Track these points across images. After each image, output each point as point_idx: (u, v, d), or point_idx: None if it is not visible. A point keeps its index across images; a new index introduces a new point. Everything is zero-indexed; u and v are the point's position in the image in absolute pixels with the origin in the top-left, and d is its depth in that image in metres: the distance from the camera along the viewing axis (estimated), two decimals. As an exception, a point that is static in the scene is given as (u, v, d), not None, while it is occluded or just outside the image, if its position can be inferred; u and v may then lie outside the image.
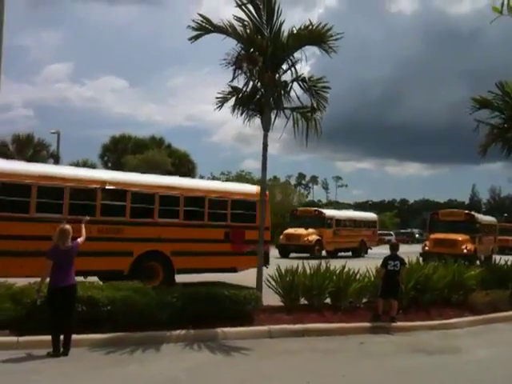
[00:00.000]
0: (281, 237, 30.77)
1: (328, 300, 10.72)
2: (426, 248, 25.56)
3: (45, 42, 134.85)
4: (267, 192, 12.08)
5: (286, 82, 10.92)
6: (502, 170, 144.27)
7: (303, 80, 10.94)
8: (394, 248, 10.75)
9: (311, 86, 10.91)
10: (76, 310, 7.71)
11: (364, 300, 11.03)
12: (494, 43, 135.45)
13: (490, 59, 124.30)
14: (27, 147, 40.65)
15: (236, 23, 10.36)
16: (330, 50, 10.55)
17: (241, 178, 48.53)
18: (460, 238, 25.08)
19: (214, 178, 51.43)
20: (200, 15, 10.22)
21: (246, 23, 10.41)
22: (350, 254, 32.94)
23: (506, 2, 3.98)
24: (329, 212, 33.97)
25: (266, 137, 10.81)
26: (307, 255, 27.69)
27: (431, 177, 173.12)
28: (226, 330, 8.72)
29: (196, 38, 10.40)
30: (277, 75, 10.79)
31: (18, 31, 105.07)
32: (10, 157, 39.89)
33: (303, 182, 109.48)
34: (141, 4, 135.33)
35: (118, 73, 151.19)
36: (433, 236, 26.15)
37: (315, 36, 10.37)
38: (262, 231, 10.95)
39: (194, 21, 10.15)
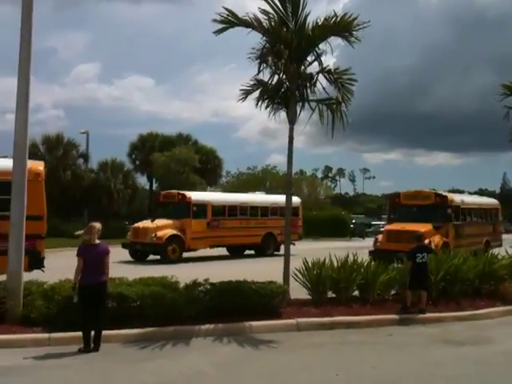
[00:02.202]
0: (128, 233, 22.87)
1: (356, 293, 10.69)
2: (378, 244, 19.12)
3: (72, 43, 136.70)
4: None
5: (311, 74, 10.88)
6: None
7: (329, 72, 10.87)
8: (419, 239, 10.65)
9: (337, 78, 10.82)
10: (106, 307, 7.84)
11: (392, 292, 10.95)
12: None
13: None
14: (57, 147, 41.26)
15: (261, 16, 10.37)
16: (353, 41, 10.46)
17: (267, 172, 48.50)
18: (422, 230, 16.59)
19: (240, 174, 51.54)
20: (225, 8, 10.27)
21: (271, 16, 10.39)
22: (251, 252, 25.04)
23: None
24: (198, 195, 24.03)
25: (291, 130, 10.79)
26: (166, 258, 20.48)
27: (461, 166, 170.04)
28: (254, 323, 8.77)
29: (221, 31, 10.42)
30: (302, 67, 10.76)
31: (45, 33, 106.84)
32: (41, 157, 40.74)
33: (330, 174, 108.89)
34: (165, 2, 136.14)
35: (145, 71, 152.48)
36: (388, 227, 19.70)
37: (341, 27, 10.28)
38: (289, 222, 10.90)
39: (219, 14, 10.18)
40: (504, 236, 27.86)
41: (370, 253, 17.70)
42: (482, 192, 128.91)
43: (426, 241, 16.26)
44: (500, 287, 11.57)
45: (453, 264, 11.27)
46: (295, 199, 26.54)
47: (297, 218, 25.51)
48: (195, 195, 23.41)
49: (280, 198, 25.84)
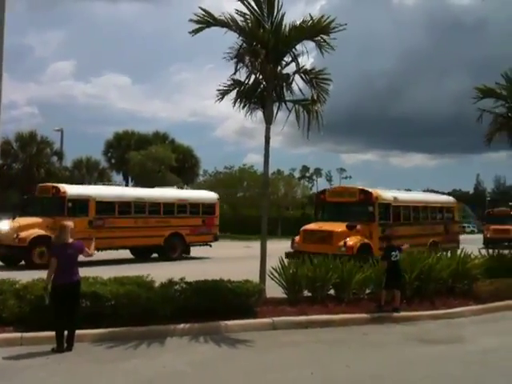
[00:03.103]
0: None
1: (332, 292, 10.74)
2: (295, 245, 17.35)
3: (48, 40, 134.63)
4: None
5: (288, 74, 10.90)
6: (506, 159, 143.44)
7: (305, 72, 10.90)
8: (391, 238, 10.80)
9: (312, 78, 10.88)
10: (80, 306, 7.74)
11: (367, 291, 11.03)
12: (498, 33, 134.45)
13: (494, 49, 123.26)
14: (30, 145, 40.67)
15: (237, 17, 10.36)
16: (326, 47, 10.50)
17: (244, 171, 48.50)
18: (337, 230, 16.43)
19: (217, 173, 51.44)
20: (201, 9, 10.21)
21: (247, 16, 10.40)
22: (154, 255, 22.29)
23: None
24: (77, 189, 20.25)
25: (268, 130, 10.80)
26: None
27: (436, 167, 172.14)
28: (230, 322, 8.75)
29: (197, 31, 10.38)
30: (279, 68, 10.77)
31: (21, 30, 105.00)
32: (14, 155, 40.06)
33: (307, 174, 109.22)
34: (144, 1, 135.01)
35: (122, 70, 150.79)
36: (304, 227, 17.69)
37: (317, 29, 10.32)
38: (266, 220, 10.93)
39: (195, 14, 10.15)
40: (473, 236, 28.54)
41: (287, 255, 15.71)
42: (455, 192, 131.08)
43: (341, 242, 15.55)
44: (473, 286, 11.73)
45: (427, 263, 11.40)
46: (210, 195, 24.76)
47: (212, 217, 23.42)
48: (72, 189, 19.78)
49: (189, 194, 24.59)
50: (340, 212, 17.68)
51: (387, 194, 18.28)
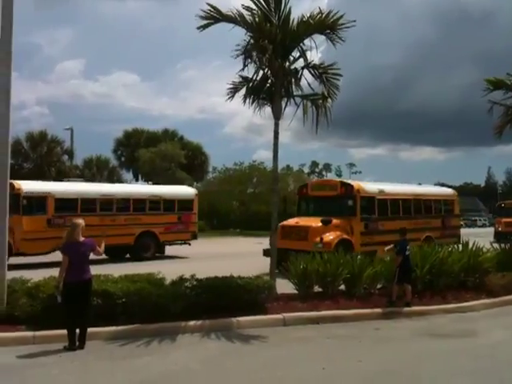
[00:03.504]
0: None
1: (342, 287, 10.71)
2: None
3: (57, 39, 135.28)
4: None
5: (296, 69, 10.86)
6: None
7: (314, 67, 10.86)
8: (404, 233, 10.69)
9: (322, 72, 10.83)
10: (91, 304, 7.78)
11: (378, 286, 10.99)
12: (506, 25, 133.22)
13: (501, 41, 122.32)
14: (41, 144, 40.95)
15: (244, 12, 10.34)
16: (336, 40, 10.46)
17: (253, 168, 48.47)
18: (314, 225, 15.44)
19: (226, 170, 51.49)
20: (208, 4, 10.20)
21: (254, 11, 10.37)
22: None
23: None
24: (34, 185, 19.02)
25: (277, 125, 10.77)
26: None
27: (446, 161, 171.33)
28: (241, 319, 8.76)
29: (205, 27, 10.38)
30: (287, 63, 10.73)
31: (29, 29, 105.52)
32: (25, 154, 40.34)
33: (316, 170, 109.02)
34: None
35: (130, 68, 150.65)
36: (283, 222, 16.21)
37: (325, 24, 10.30)
38: (276, 217, 10.92)
39: (202, 10, 10.14)
40: (485, 230, 28.03)
41: (264, 252, 15.10)
42: (467, 186, 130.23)
43: (317, 238, 14.74)
44: (485, 280, 11.66)
45: (438, 257, 11.35)
46: (187, 190, 23.49)
47: (189, 213, 22.00)
48: (28, 185, 18.46)
49: (163, 189, 22.57)
50: (322, 206, 16.84)
51: (371, 187, 17.39)
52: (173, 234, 21.27)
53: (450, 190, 22.54)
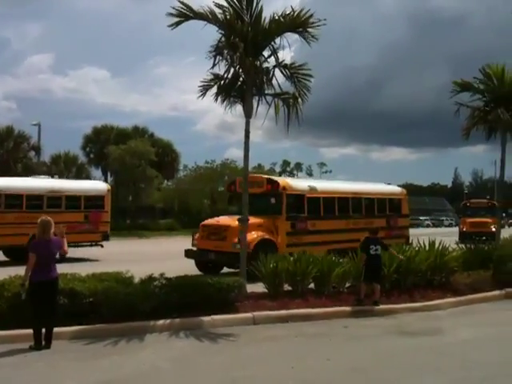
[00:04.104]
0: None
1: (312, 285, 10.78)
2: (194, 241, 15.69)
3: (26, 33, 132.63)
4: None
5: (267, 68, 10.86)
6: (483, 153, 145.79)
7: (285, 66, 10.87)
8: (374, 232, 10.81)
9: (293, 73, 10.85)
10: (58, 303, 7.65)
11: (347, 284, 11.10)
12: (477, 28, 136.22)
13: (473, 44, 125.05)
14: (7, 140, 40.07)
15: (216, 10, 10.30)
16: (310, 39, 10.50)
17: (225, 166, 48.39)
18: (233, 224, 14.06)
19: (198, 168, 51.26)
20: (180, 2, 10.12)
21: (225, 9, 10.34)
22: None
23: None
24: None
25: (247, 124, 10.76)
26: None
27: (415, 161, 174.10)
28: (211, 317, 8.73)
29: (176, 24, 10.29)
30: (258, 61, 10.72)
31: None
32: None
33: (288, 169, 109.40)
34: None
35: (101, 63, 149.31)
36: (205, 222, 15.98)
37: (297, 23, 10.32)
38: (247, 215, 10.92)
39: (173, 7, 10.06)
40: (451, 229, 27.64)
41: (186, 253, 14.99)
42: (434, 186, 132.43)
43: (236, 239, 13.43)
44: (451, 279, 11.89)
45: (405, 256, 11.51)
46: (96, 186, 21.55)
47: (99, 212, 20.15)
48: None
49: (65, 184, 20.53)
50: (250, 204, 15.52)
51: (300, 184, 16.57)
52: (78, 235, 18.41)
53: (397, 189, 21.25)
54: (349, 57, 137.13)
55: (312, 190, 16.27)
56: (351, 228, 16.81)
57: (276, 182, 15.79)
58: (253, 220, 13.83)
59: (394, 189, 21.08)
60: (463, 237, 27.77)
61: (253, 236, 14.03)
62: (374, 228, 11.13)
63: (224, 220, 15.16)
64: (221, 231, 14.76)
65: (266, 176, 16.61)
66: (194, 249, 15.43)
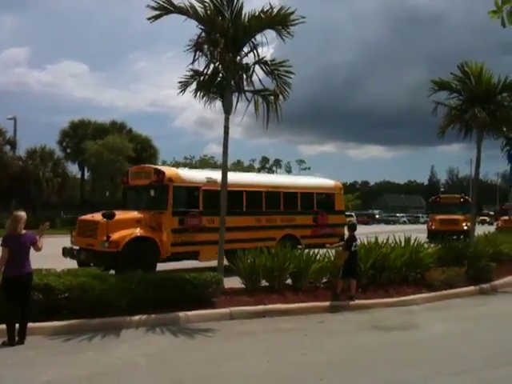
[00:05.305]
0: None
1: (289, 281, 10.83)
2: (72, 238, 13.75)
3: (2, 24, 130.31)
4: None
5: (247, 64, 10.84)
6: (459, 152, 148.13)
7: (265, 63, 10.87)
8: (354, 229, 10.89)
9: (273, 69, 10.85)
10: (32, 299, 7.56)
11: (324, 280, 11.18)
12: (453, 27, 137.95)
13: (450, 43, 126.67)
14: (-19, 134, 39.42)
15: (197, 4, 10.25)
16: (286, 36, 10.53)
17: (204, 162, 48.27)
18: (102, 220, 12.48)
19: (176, 164, 51.06)
20: (160, -5, 10.03)
21: (206, 4, 10.31)
22: None
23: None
24: None
25: (227, 120, 10.74)
26: None
27: (392, 159, 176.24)
28: (188, 313, 8.71)
29: (156, 17, 10.22)
30: (238, 58, 10.71)
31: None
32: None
33: (267, 165, 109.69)
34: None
35: (79, 57, 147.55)
36: (81, 217, 14.54)
37: (276, 20, 10.33)
38: (225, 213, 10.90)
39: (154, 0, 9.98)
40: (423, 226, 25.25)
41: (63, 252, 13.44)
42: (411, 184, 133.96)
43: (104, 237, 12.07)
44: (426, 275, 12.03)
45: (381, 253, 11.64)
46: None
47: None
48: None
49: None
50: (139, 198, 14.71)
51: (195, 175, 14.68)
52: None
53: (329, 182, 18.55)
54: (327, 55, 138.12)
55: (210, 182, 14.25)
56: (264, 225, 15.21)
57: (162, 173, 13.96)
58: (129, 215, 13.25)
59: (324, 182, 18.61)
60: (432, 235, 24.78)
61: (124, 233, 12.50)
62: (354, 224, 11.21)
63: (99, 215, 13.05)
64: (92, 228, 13.07)
65: (153, 166, 15.02)
66: (71, 247, 13.60)
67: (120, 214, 12.90)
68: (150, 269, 11.65)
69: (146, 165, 15.68)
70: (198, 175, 14.75)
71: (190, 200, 14.06)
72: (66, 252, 13.35)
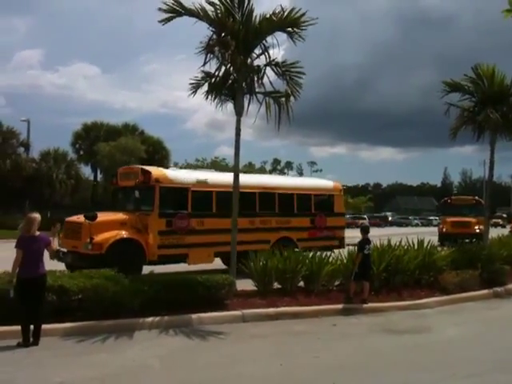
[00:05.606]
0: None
1: (301, 283, 10.81)
2: (60, 240, 12.50)
3: (15, 27, 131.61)
4: None
5: (258, 66, 10.87)
6: (472, 153, 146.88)
7: (276, 65, 10.89)
8: (366, 231, 10.83)
9: (285, 71, 10.87)
10: (46, 300, 7.61)
11: (336, 283, 11.14)
12: (464, 28, 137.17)
13: (460, 44, 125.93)
14: (-4, 136, 39.80)
15: (207, 7, 10.29)
16: (297, 38, 10.54)
17: (215, 164, 48.33)
18: (82, 222, 12.46)
19: (188, 165, 51.17)
20: (171, -3, 10.08)
21: (217, 6, 10.34)
22: None
23: None
24: None
25: (238, 122, 10.77)
26: None
27: (404, 161, 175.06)
28: (200, 315, 8.73)
29: (167, 20, 10.29)
30: (249, 60, 10.73)
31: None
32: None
33: (278, 167, 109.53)
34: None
35: (91, 59, 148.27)
36: (68, 218, 13.73)
37: (287, 22, 10.34)
38: (236, 216, 10.91)
39: (164, 3, 10.03)
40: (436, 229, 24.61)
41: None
42: (424, 186, 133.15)
43: (88, 239, 11.84)
44: (439, 278, 11.95)
45: (394, 255, 11.57)
46: None
47: None
48: None
49: None
50: (128, 199, 14.26)
51: (183, 176, 14.20)
52: None
53: (328, 183, 18.03)
54: (337, 56, 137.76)
55: (200, 182, 13.99)
56: (257, 227, 14.63)
57: (148, 173, 13.50)
58: (114, 216, 13.05)
59: (323, 183, 18.09)
60: (443, 238, 24.17)
61: (108, 235, 12.25)
62: (367, 226, 11.16)
63: (80, 218, 12.74)
64: (76, 229, 12.74)
65: (141, 166, 14.51)
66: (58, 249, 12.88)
67: (103, 216, 12.75)
68: (135, 272, 11.15)
69: (134, 166, 15.39)
70: (187, 176, 14.35)
71: (178, 201, 13.63)
72: (53, 254, 12.87)
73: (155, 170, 14.00)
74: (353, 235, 15.41)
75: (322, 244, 14.18)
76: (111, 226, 12.53)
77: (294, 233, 15.52)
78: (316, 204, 16.59)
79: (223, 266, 12.35)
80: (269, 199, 15.23)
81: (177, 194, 13.62)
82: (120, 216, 13.03)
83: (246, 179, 13.87)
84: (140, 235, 12.74)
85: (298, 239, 15.39)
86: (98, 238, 12.03)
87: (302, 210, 16.12)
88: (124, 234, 12.53)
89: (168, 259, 13.08)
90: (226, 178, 13.79)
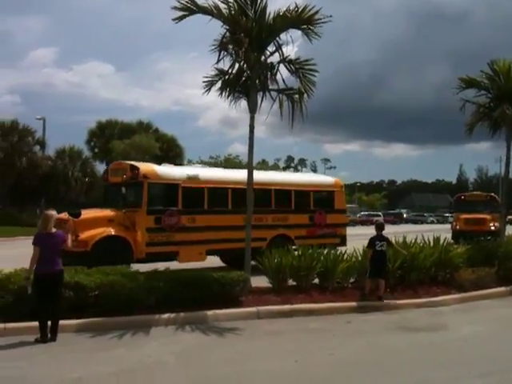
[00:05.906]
0: None
1: (316, 280, 10.80)
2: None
3: (30, 26, 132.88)
4: None
5: (272, 63, 10.86)
6: (488, 150, 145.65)
7: (290, 62, 10.88)
8: (381, 228, 10.78)
9: (298, 68, 10.85)
10: (63, 296, 7.70)
11: (351, 280, 11.11)
12: (480, 24, 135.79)
13: (474, 40, 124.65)
14: (12, 134, 40.20)
15: (221, 4, 10.30)
16: (312, 35, 10.50)
17: (229, 161, 48.40)
18: (66, 218, 11.83)
19: (202, 162, 51.29)
20: (184, -5, 10.10)
21: (230, 4, 10.35)
22: None
23: None
24: None
25: (252, 119, 10.77)
26: None
27: (418, 157, 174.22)
28: (216, 312, 8.77)
29: (180, 18, 10.31)
30: (263, 57, 10.74)
31: (1, 16, 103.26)
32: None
33: (292, 164, 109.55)
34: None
35: (104, 57, 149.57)
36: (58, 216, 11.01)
37: (301, 19, 10.31)
38: (251, 213, 10.93)
39: (178, 1, 10.06)
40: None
41: None
42: (439, 183, 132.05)
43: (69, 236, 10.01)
44: (455, 275, 11.86)
45: (410, 252, 11.50)
46: None
47: None
48: None
49: None
50: (117, 195, 13.57)
51: (173, 172, 14.01)
52: None
53: (329, 179, 17.71)
54: (351, 53, 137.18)
55: (191, 178, 13.70)
56: (252, 225, 13.76)
57: (137, 169, 13.28)
58: (100, 213, 12.90)
59: (323, 179, 17.84)
60: (456, 236, 22.20)
61: (94, 232, 12.12)
62: (381, 224, 11.11)
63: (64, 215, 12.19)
64: (61, 226, 11.70)
65: (130, 162, 14.19)
66: None
67: (89, 213, 12.65)
68: None
69: (123, 161, 15.20)
70: (178, 172, 14.12)
71: (167, 198, 13.39)
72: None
73: (143, 166, 13.80)
74: (369, 232, 15.32)
75: (322, 242, 13.74)
76: (98, 223, 12.37)
77: (291, 230, 15.23)
78: (315, 201, 16.23)
79: (222, 264, 12.12)
80: (264, 195, 14.74)
81: (166, 191, 13.43)
82: (107, 213, 12.85)
83: (241, 175, 13.25)
84: (128, 232, 12.59)
85: (296, 237, 15.05)
86: (84, 235, 11.90)
87: (300, 207, 15.77)
88: (111, 231, 12.38)
89: (157, 257, 12.73)
90: (219, 173, 14.20)
